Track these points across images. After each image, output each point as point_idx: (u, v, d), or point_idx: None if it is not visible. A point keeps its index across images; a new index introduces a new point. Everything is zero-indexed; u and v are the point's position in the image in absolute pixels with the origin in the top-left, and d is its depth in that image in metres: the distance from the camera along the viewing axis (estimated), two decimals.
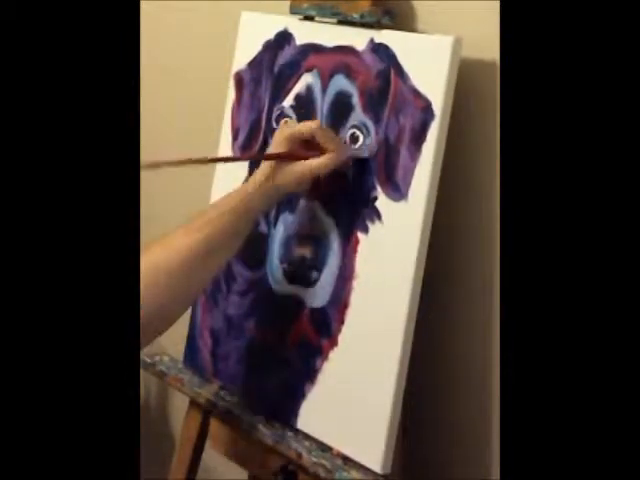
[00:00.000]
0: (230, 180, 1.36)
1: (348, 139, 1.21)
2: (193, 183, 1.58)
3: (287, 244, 1.27)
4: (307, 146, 1.19)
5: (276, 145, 1.20)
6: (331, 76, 1.24)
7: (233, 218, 1.18)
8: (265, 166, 1.20)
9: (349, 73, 1.22)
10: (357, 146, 1.21)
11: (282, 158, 1.19)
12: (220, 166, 1.39)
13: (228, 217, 1.18)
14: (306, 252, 1.25)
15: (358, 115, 1.21)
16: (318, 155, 1.18)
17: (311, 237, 1.25)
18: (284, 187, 1.19)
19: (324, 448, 1.21)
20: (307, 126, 1.19)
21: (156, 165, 1.16)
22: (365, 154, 1.20)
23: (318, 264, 1.24)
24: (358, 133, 1.21)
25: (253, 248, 1.31)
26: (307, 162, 1.18)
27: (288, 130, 1.21)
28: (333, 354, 1.21)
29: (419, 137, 1.14)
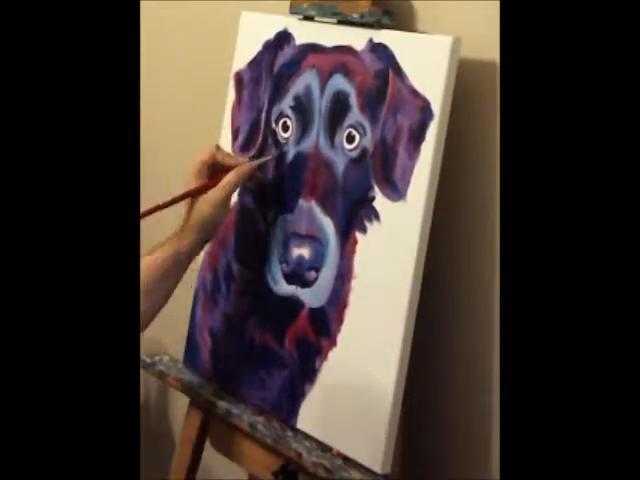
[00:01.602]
0: None
1: (345, 139, 1.22)
2: None
3: (286, 244, 1.27)
4: (217, 172, 1.26)
5: (188, 183, 1.25)
6: (330, 76, 1.24)
7: (167, 260, 1.22)
8: (186, 207, 1.26)
9: (347, 73, 1.22)
10: (353, 146, 1.21)
11: (193, 194, 1.24)
12: None
13: (162, 261, 1.22)
14: (305, 252, 1.25)
15: (355, 115, 1.21)
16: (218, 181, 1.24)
17: (310, 237, 1.25)
18: (204, 218, 1.24)
19: (324, 448, 1.21)
20: (205, 154, 1.26)
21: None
22: (270, 157, 1.29)
23: (317, 264, 1.24)
24: (354, 133, 1.21)
25: (252, 248, 1.32)
26: (217, 187, 1.24)
27: (191, 169, 1.26)
28: (332, 354, 1.21)
29: (418, 137, 1.14)
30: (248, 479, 1.42)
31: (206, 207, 1.24)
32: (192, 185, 1.25)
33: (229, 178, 1.24)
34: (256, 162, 1.29)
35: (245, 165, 1.27)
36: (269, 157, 1.30)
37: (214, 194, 1.24)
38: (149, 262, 1.21)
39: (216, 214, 1.24)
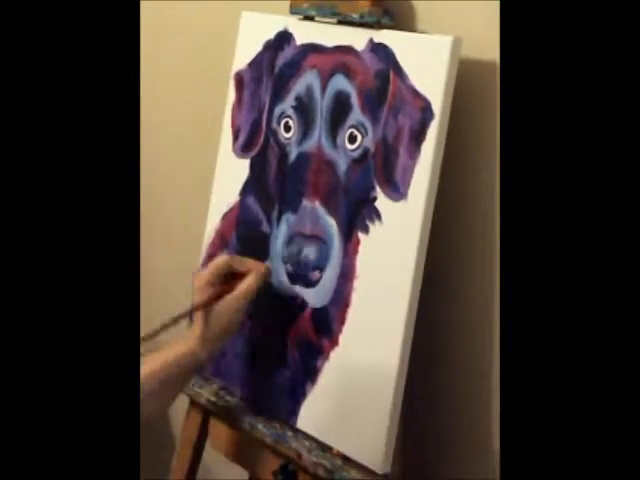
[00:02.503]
0: (230, 181, 1.36)
1: (346, 139, 1.22)
2: (193, 183, 1.58)
3: (289, 244, 1.27)
4: (228, 280, 1.22)
5: (198, 295, 1.21)
6: (330, 76, 1.24)
7: (179, 370, 1.21)
8: (198, 321, 1.21)
9: (348, 73, 1.22)
10: (354, 146, 1.21)
11: (209, 303, 1.20)
12: (220, 168, 1.38)
13: (174, 369, 1.20)
14: (310, 252, 1.25)
15: (356, 115, 1.21)
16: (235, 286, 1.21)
17: (314, 237, 1.25)
18: (227, 327, 1.21)
19: (324, 448, 1.21)
20: (218, 262, 1.23)
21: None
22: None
23: (321, 264, 1.24)
24: (356, 133, 1.21)
25: (255, 248, 1.31)
26: (236, 293, 1.20)
27: (202, 277, 1.22)
28: (334, 354, 1.21)
29: (418, 137, 1.14)
30: (248, 479, 1.42)
31: (227, 315, 1.20)
32: (202, 295, 1.21)
33: (249, 282, 1.21)
34: (269, 264, 1.26)
35: (263, 267, 1.24)
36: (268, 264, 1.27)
37: (236, 302, 1.20)
38: (145, 370, 1.16)
39: (234, 322, 1.22)
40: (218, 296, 1.20)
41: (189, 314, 1.22)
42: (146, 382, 1.14)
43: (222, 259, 1.24)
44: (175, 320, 1.19)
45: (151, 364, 1.18)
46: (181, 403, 1.37)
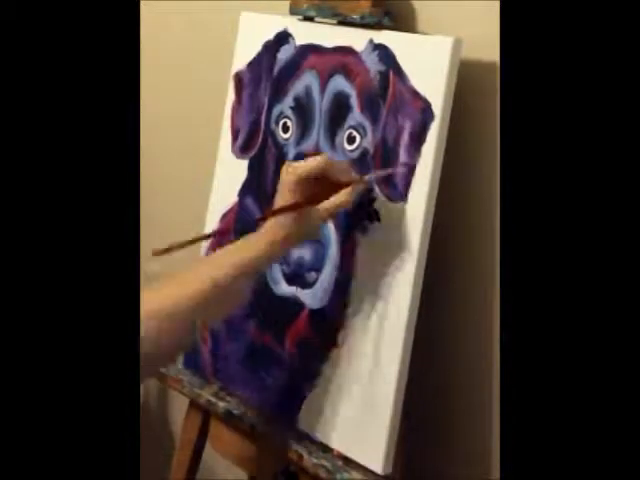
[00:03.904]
0: (229, 181, 1.36)
1: (345, 140, 1.21)
2: (193, 183, 1.58)
3: None
4: (318, 184, 1.10)
5: (285, 194, 1.08)
6: (330, 77, 1.24)
7: (238, 275, 1.07)
8: (278, 221, 1.08)
9: (348, 74, 1.22)
10: (353, 147, 1.21)
11: (295, 208, 1.08)
12: (219, 169, 1.38)
13: (233, 274, 1.07)
14: (305, 253, 1.25)
15: (355, 116, 1.21)
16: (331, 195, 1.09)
17: None
18: (308, 235, 1.12)
19: (325, 449, 1.21)
20: (315, 164, 1.09)
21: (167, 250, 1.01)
22: (390, 170, 1.14)
23: (317, 265, 1.23)
24: (355, 134, 1.21)
25: None
26: (325, 204, 1.09)
27: (295, 174, 1.08)
28: (333, 355, 1.21)
29: (419, 138, 1.14)
30: None
31: (308, 226, 1.09)
32: (288, 194, 1.08)
33: (346, 200, 1.09)
34: (374, 175, 1.14)
35: (362, 182, 1.12)
36: (389, 170, 1.14)
37: (324, 213, 1.08)
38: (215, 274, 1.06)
39: (317, 232, 1.13)
40: (306, 203, 1.08)
41: (273, 214, 1.08)
42: (211, 288, 1.04)
43: (323, 160, 1.09)
44: (262, 219, 1.09)
45: (212, 267, 1.07)
46: (181, 404, 1.37)
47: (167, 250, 1.00)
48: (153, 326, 1.01)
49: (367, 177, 1.15)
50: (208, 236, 1.18)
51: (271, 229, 1.09)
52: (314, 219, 1.09)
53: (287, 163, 1.14)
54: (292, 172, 1.09)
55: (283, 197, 1.09)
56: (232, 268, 1.07)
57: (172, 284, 1.07)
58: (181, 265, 1.08)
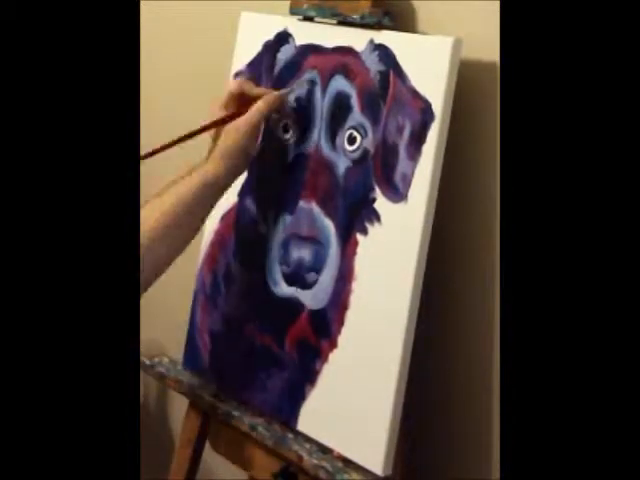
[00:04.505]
0: None
1: (346, 140, 1.21)
2: None
3: (286, 246, 1.27)
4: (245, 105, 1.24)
5: (214, 115, 1.24)
6: (331, 77, 1.24)
7: (198, 188, 1.20)
8: (211, 137, 1.25)
9: (348, 74, 1.22)
10: (354, 147, 1.21)
11: (221, 123, 1.23)
12: None
13: (193, 188, 1.20)
14: (305, 254, 1.25)
15: (356, 116, 1.21)
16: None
17: (310, 239, 1.25)
18: (233, 144, 1.22)
19: (325, 450, 1.21)
20: (231, 85, 1.26)
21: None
22: (294, 86, 1.26)
23: (317, 266, 1.23)
24: (355, 134, 1.20)
25: (252, 250, 1.31)
26: (245, 115, 1.22)
27: (217, 100, 1.25)
28: (333, 356, 1.21)
29: (419, 138, 1.14)
30: None
31: (234, 135, 1.22)
32: (217, 116, 1.24)
33: (258, 105, 1.23)
34: (283, 91, 1.27)
35: (274, 94, 1.25)
36: (294, 88, 1.27)
37: (243, 121, 1.22)
38: (172, 195, 1.19)
39: (245, 142, 1.23)
40: (229, 118, 1.23)
41: (200, 131, 1.24)
42: (177, 208, 1.18)
43: (235, 82, 1.27)
44: (184, 138, 1.23)
45: (176, 190, 1.19)
46: (181, 405, 1.37)
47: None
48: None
49: (279, 91, 1.26)
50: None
51: (212, 147, 1.24)
52: (239, 129, 1.22)
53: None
54: (212, 102, 1.26)
55: (213, 118, 1.25)
56: (197, 186, 1.21)
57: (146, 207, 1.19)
58: None
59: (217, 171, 1.21)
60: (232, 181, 1.25)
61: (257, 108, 1.23)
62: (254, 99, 1.24)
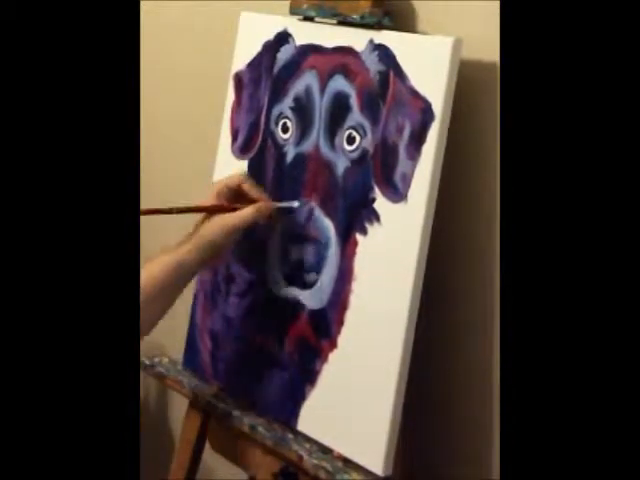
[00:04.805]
0: None
1: (345, 140, 1.21)
2: (192, 184, 1.58)
3: (286, 246, 1.27)
4: (239, 199, 1.24)
5: (208, 199, 1.24)
6: (330, 77, 1.24)
7: (169, 270, 1.21)
8: (197, 221, 1.24)
9: (348, 74, 1.22)
10: (353, 147, 1.21)
11: (208, 210, 1.23)
12: (219, 169, 1.38)
13: (165, 269, 1.21)
14: (305, 254, 1.25)
15: (355, 116, 1.21)
16: (243, 207, 1.22)
17: (310, 239, 1.24)
18: (212, 238, 1.21)
19: (325, 450, 1.20)
20: (233, 177, 1.25)
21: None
22: (294, 204, 1.25)
23: (317, 266, 1.23)
24: (355, 134, 1.20)
25: (252, 250, 1.31)
26: (233, 214, 1.22)
27: (215, 186, 1.26)
28: (333, 356, 1.21)
29: (419, 138, 1.14)
30: None
31: (216, 228, 1.22)
32: (209, 203, 1.24)
33: (248, 211, 1.22)
34: (279, 205, 1.25)
35: (267, 203, 1.24)
36: (294, 204, 1.25)
37: (228, 219, 1.22)
38: (149, 269, 1.19)
39: (222, 241, 1.22)
40: (218, 208, 1.23)
41: (185, 211, 1.24)
42: (147, 286, 1.17)
43: (237, 176, 1.26)
44: (168, 211, 1.24)
45: (150, 268, 1.19)
46: (181, 405, 1.36)
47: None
48: None
49: (274, 203, 1.25)
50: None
51: (191, 233, 1.23)
52: (219, 226, 1.22)
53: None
54: (212, 185, 1.27)
55: (206, 203, 1.24)
56: (165, 267, 1.21)
57: None
58: None
59: (190, 257, 1.21)
60: (200, 270, 1.27)
61: (247, 214, 1.22)
62: (249, 200, 1.23)
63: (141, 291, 1.12)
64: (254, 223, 1.23)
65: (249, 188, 1.24)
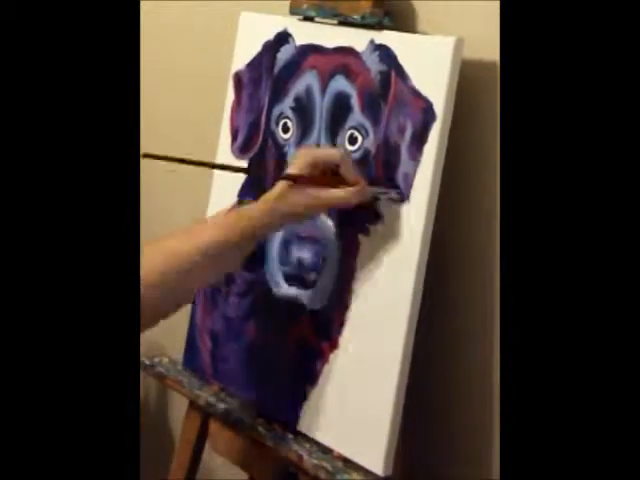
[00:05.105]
0: (230, 181, 1.36)
1: (347, 140, 1.21)
2: (193, 183, 1.58)
3: (286, 246, 1.27)
4: (326, 174, 1.14)
5: (296, 167, 1.13)
6: (331, 77, 1.24)
7: (233, 233, 1.12)
8: (279, 186, 1.13)
9: (349, 74, 1.22)
10: (355, 147, 1.20)
11: (303, 182, 1.11)
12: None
13: (227, 231, 1.11)
14: (305, 254, 1.25)
15: (356, 116, 1.21)
16: (340, 186, 1.13)
17: (310, 239, 1.24)
18: (294, 211, 1.13)
19: (325, 450, 1.20)
20: (333, 154, 1.15)
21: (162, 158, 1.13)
22: (392, 195, 1.15)
23: (317, 266, 1.23)
24: (357, 134, 1.20)
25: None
26: (326, 191, 1.12)
27: (312, 154, 1.15)
28: (333, 356, 1.21)
29: (420, 138, 1.14)
30: None
31: (310, 200, 1.11)
32: (298, 172, 1.12)
33: (345, 197, 1.12)
34: (378, 191, 1.15)
35: (365, 189, 1.13)
36: (391, 194, 1.15)
37: (325, 195, 1.11)
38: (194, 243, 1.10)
39: (308, 213, 1.14)
40: (311, 180, 1.11)
41: (283, 179, 1.12)
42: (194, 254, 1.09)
43: (339, 153, 1.14)
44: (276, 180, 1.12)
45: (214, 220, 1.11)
46: (181, 405, 1.36)
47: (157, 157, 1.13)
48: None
49: (372, 188, 1.15)
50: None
51: (276, 199, 1.13)
52: (312, 198, 1.12)
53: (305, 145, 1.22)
54: (308, 151, 1.17)
55: (294, 170, 1.13)
56: (225, 234, 1.11)
57: (159, 252, 1.10)
58: None
59: (257, 217, 1.12)
60: (260, 236, 1.16)
61: (348, 195, 1.11)
62: (340, 180, 1.12)
63: (204, 248, 1.07)
64: (350, 205, 1.13)
65: (347, 169, 1.13)
